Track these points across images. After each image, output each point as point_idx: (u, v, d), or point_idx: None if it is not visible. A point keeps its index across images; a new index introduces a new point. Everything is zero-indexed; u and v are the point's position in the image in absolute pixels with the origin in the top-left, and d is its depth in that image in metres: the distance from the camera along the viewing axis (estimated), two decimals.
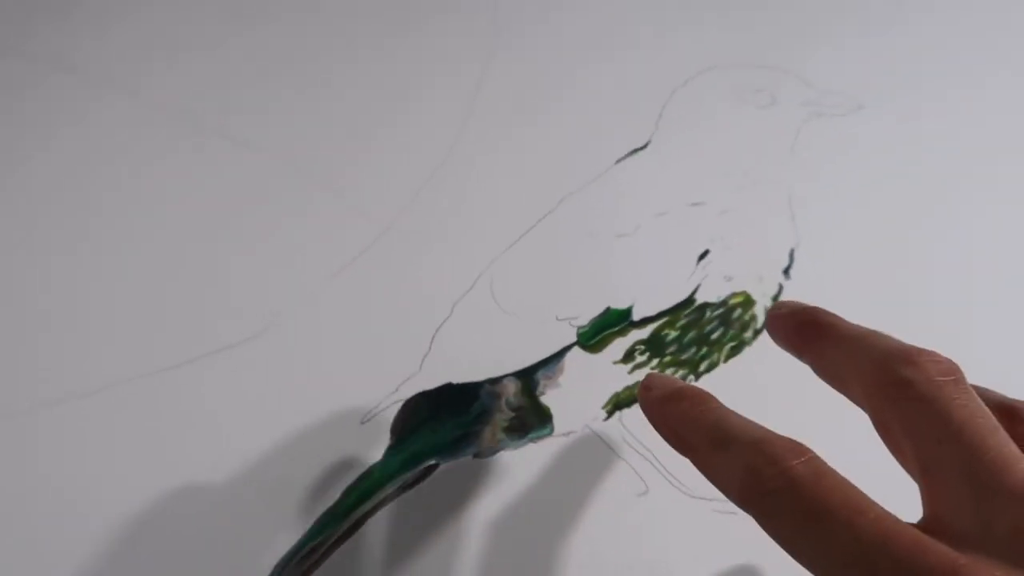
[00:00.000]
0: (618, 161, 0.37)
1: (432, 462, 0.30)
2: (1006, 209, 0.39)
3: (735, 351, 0.33)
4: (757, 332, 0.34)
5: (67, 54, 0.38)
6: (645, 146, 0.38)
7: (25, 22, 0.39)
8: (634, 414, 0.32)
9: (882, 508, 0.18)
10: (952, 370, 0.20)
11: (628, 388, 0.32)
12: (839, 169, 0.38)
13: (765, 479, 0.19)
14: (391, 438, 0.30)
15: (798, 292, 0.35)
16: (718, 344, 0.33)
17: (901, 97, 0.40)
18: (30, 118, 0.37)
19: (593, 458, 0.31)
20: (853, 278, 0.36)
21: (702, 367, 0.33)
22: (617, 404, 0.32)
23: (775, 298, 0.35)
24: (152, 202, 0.35)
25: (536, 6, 0.42)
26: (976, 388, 0.21)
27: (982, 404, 0.20)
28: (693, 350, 0.33)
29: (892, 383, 0.20)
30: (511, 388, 0.32)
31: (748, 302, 0.34)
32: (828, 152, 0.38)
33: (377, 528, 0.29)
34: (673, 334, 0.33)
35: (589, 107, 0.38)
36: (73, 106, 0.37)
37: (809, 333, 0.24)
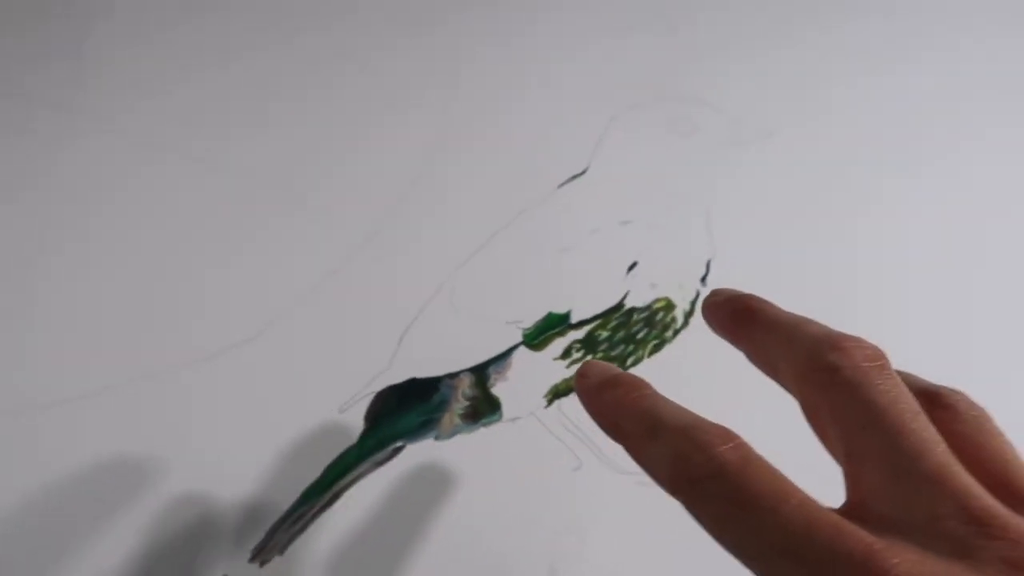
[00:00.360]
0: (560, 186, 0.43)
1: (399, 444, 0.36)
2: (919, 220, 0.45)
3: (657, 348, 0.39)
4: (676, 332, 0.40)
5: (49, 91, 0.44)
6: (584, 172, 0.43)
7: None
8: (571, 402, 0.38)
9: (805, 494, 0.18)
10: (877, 356, 0.21)
11: (566, 380, 0.38)
12: (752, 188, 0.44)
13: (693, 466, 0.19)
14: (365, 424, 0.36)
15: None
16: (643, 342, 0.39)
17: (808, 121, 0.47)
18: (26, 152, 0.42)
19: (535, 439, 0.37)
20: (765, 284, 0.42)
21: (629, 362, 0.39)
22: (556, 394, 0.38)
23: (693, 303, 0.41)
24: (136, 221, 0.40)
25: (494, 46, 0.48)
26: (900, 373, 0.21)
27: (905, 390, 0.20)
28: (622, 347, 0.39)
29: (820, 369, 0.20)
30: (466, 381, 0.38)
31: (669, 306, 0.40)
32: (742, 174, 0.45)
33: (353, 499, 0.35)
34: (605, 334, 0.39)
35: (536, 137, 0.44)
36: (62, 141, 0.42)
37: (742, 319, 0.24)
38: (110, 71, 0.45)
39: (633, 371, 0.39)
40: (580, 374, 0.25)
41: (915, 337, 0.43)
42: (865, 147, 0.47)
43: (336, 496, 0.35)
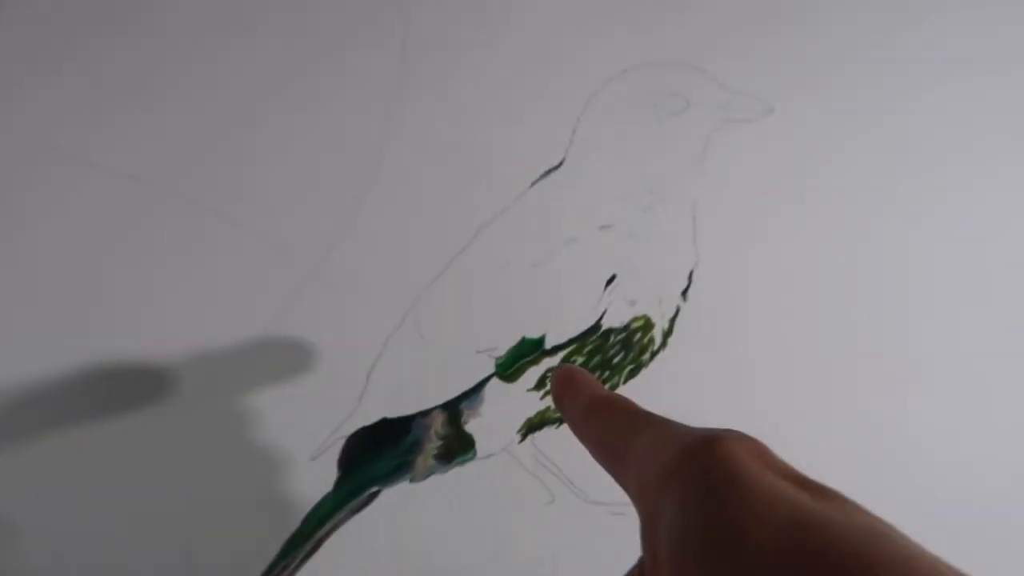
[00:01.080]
0: (533, 184, 0.39)
1: (375, 489, 0.36)
2: (924, 210, 0.41)
3: (633, 373, 0.38)
4: (654, 354, 0.38)
5: None
6: (560, 165, 0.39)
7: None
8: (544, 436, 0.38)
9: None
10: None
11: (539, 413, 0.38)
12: (746, 178, 0.40)
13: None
14: (339, 471, 0.36)
15: (695, 309, 0.39)
16: (619, 368, 0.38)
17: (811, 99, 0.41)
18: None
19: (509, 476, 0.37)
20: (751, 290, 0.40)
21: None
22: (530, 428, 0.38)
23: (673, 320, 0.39)
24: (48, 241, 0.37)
25: (445, 29, 0.40)
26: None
27: None
28: (597, 374, 0.38)
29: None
30: (439, 419, 0.37)
31: (648, 325, 0.38)
32: (735, 161, 0.40)
33: (332, 544, 0.36)
34: (580, 360, 0.38)
35: (505, 125, 0.39)
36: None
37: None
38: None
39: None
40: (562, 394, 0.26)
41: (917, 339, 0.42)
42: (874, 137, 0.41)
43: (318, 545, 0.36)
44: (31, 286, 0.34)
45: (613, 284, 0.38)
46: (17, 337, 0.34)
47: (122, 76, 0.34)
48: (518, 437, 0.38)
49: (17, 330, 0.34)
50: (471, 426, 0.37)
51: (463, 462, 0.37)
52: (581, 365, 0.38)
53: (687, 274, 0.39)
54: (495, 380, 0.38)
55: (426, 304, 0.38)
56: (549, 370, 0.38)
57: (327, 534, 0.36)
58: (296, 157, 0.37)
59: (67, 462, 0.34)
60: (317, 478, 0.36)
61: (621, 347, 0.38)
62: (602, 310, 0.38)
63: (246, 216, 0.37)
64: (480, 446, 0.37)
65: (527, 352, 0.38)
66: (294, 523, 0.36)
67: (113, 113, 0.34)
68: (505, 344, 0.38)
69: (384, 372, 0.37)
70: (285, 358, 0.37)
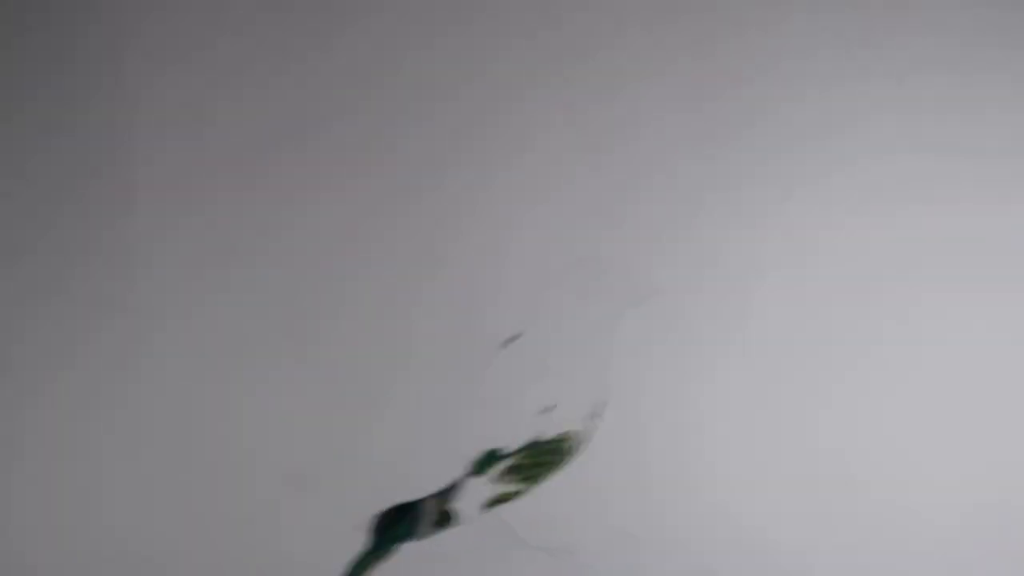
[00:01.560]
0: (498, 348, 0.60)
1: (396, 545, 0.58)
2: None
3: (558, 470, 0.60)
4: (572, 458, 0.60)
5: None
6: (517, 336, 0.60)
7: None
8: (503, 508, 0.59)
9: None
10: None
11: (500, 494, 0.59)
12: (650, 339, 0.62)
13: None
14: (373, 535, 0.58)
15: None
16: (551, 465, 0.60)
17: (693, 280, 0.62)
18: None
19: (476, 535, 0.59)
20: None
21: (538, 481, 0.60)
22: (493, 503, 0.59)
23: (586, 434, 0.60)
24: None
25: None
26: None
27: None
28: (536, 470, 0.59)
29: None
30: (434, 502, 0.59)
31: (570, 438, 0.60)
32: (639, 326, 0.61)
33: None
34: (526, 462, 0.59)
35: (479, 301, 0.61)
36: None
37: None
38: None
39: None
40: None
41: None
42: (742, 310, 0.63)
43: None
44: None
45: (550, 411, 0.60)
46: None
47: None
48: (486, 509, 0.59)
49: None
50: (456, 505, 0.59)
51: (449, 527, 0.59)
52: (527, 465, 0.59)
53: (602, 404, 0.61)
54: (471, 477, 0.59)
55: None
56: (505, 468, 0.59)
57: None
58: None
59: None
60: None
61: (552, 452, 0.60)
62: (541, 429, 0.60)
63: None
64: (461, 517, 0.59)
65: (491, 460, 0.59)
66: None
67: None
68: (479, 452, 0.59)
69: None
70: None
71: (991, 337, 0.60)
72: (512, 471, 0.59)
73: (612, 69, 0.60)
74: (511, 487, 0.59)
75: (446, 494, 0.59)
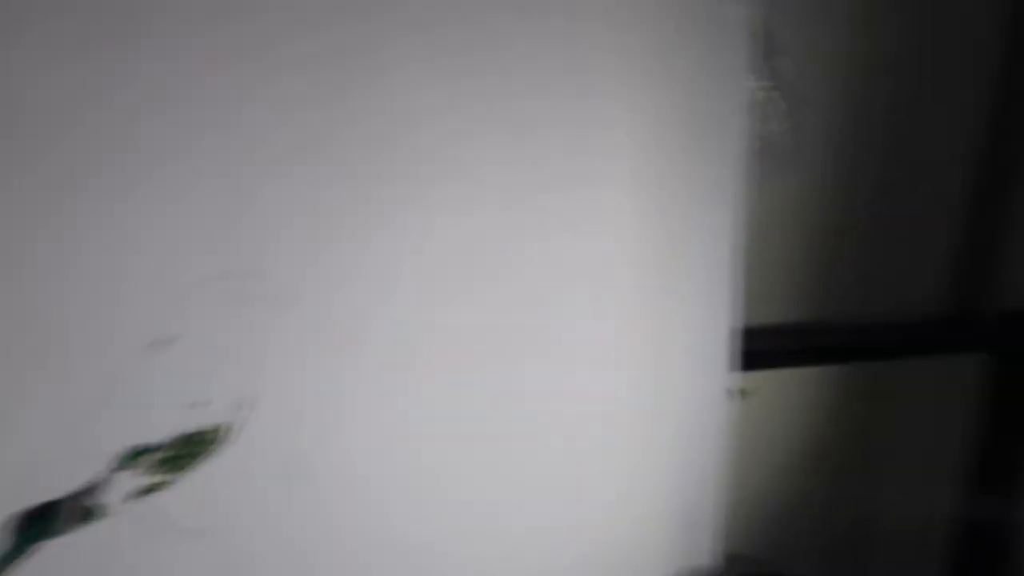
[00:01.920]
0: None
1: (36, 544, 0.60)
2: None
3: (203, 459, 0.64)
4: (221, 447, 0.65)
5: None
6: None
7: None
8: (156, 495, 0.63)
9: None
10: None
11: (150, 484, 0.62)
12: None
13: None
14: (13, 536, 0.59)
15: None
16: (195, 456, 0.64)
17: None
18: None
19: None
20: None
21: (186, 470, 0.64)
22: (146, 491, 0.62)
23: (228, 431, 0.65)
24: None
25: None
26: None
27: None
28: (184, 459, 0.64)
29: None
30: (74, 500, 0.61)
31: (216, 430, 0.64)
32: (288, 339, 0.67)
33: None
34: (172, 454, 0.63)
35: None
36: None
37: None
38: None
39: None
40: None
41: None
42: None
43: None
44: None
45: (198, 407, 0.64)
46: None
47: None
48: (142, 495, 0.63)
49: None
50: (102, 498, 0.62)
51: (98, 519, 0.62)
52: (176, 456, 0.63)
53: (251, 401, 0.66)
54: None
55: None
56: (156, 460, 0.63)
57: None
58: None
59: None
60: None
61: (198, 443, 0.64)
62: (189, 424, 0.64)
63: None
64: (110, 509, 0.62)
65: (138, 454, 0.62)
66: None
67: None
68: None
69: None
70: None
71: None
72: (161, 463, 0.63)
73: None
74: (158, 478, 0.63)
75: (88, 491, 0.61)
